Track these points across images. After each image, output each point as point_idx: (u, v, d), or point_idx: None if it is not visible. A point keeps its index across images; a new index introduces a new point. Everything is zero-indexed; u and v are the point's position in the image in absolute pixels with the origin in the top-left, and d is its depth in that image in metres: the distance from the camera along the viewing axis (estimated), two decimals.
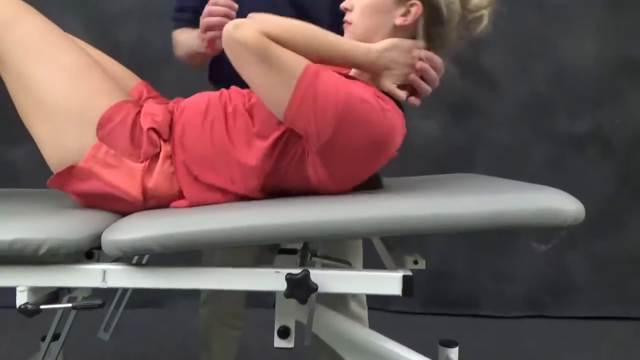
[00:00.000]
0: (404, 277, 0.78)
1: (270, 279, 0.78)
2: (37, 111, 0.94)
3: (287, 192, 0.94)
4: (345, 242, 1.28)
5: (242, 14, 0.94)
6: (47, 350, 1.24)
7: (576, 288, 2.28)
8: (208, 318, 1.40)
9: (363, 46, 0.90)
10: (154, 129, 0.94)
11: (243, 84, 0.91)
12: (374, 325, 1.09)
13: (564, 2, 2.22)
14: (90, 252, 0.93)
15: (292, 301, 0.79)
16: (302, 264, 0.96)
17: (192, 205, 0.93)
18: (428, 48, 0.93)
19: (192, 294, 1.25)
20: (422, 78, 0.93)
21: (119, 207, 0.93)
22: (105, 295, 0.82)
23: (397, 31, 0.92)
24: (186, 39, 1.20)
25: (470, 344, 1.97)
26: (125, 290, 1.39)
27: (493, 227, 0.76)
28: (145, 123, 0.94)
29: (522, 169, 2.21)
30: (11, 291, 0.82)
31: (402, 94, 0.92)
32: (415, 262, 1.05)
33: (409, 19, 0.91)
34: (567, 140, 2.27)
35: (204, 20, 1.07)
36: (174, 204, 0.94)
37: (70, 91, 0.93)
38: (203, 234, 0.77)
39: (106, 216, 0.91)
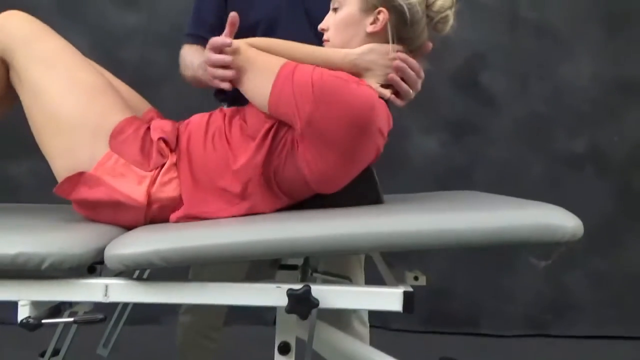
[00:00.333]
0: (405, 293, 0.78)
1: (271, 295, 0.79)
2: (51, 125, 0.97)
3: (287, 192, 0.96)
4: (347, 257, 1.28)
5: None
6: None
7: (576, 307, 2.27)
8: (187, 328, 1.41)
9: (343, 50, 0.99)
10: (163, 140, 0.98)
11: (247, 101, 0.99)
12: (375, 344, 1.08)
13: (561, 23, 2.25)
14: (93, 266, 0.93)
15: (293, 317, 0.79)
16: (303, 280, 0.96)
17: (188, 211, 0.95)
18: (404, 51, 0.99)
19: None
20: (402, 79, 0.99)
21: (121, 215, 0.95)
22: (104, 310, 0.82)
23: (370, 38, 0.99)
24: (192, 62, 1.17)
25: None
26: (125, 306, 1.39)
27: (492, 243, 0.76)
28: (155, 134, 0.99)
29: (521, 187, 2.22)
30: (8, 307, 0.82)
31: (385, 92, 0.98)
32: (416, 278, 1.06)
33: (378, 25, 0.98)
34: (566, 159, 2.28)
35: (209, 70, 1.00)
36: (172, 215, 0.95)
37: (86, 107, 0.97)
38: (205, 248, 0.77)
39: (108, 231, 0.91)
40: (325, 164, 0.91)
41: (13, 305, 0.79)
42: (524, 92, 2.28)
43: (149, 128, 1.01)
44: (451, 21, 1.00)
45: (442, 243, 0.76)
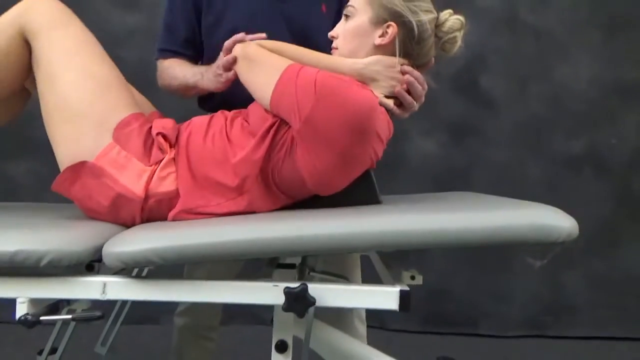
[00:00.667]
0: (401, 292, 0.79)
1: (269, 293, 0.79)
2: (61, 111, 0.99)
3: (286, 191, 0.97)
4: (344, 256, 1.29)
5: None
6: None
7: (574, 308, 2.28)
8: (182, 328, 1.42)
9: (349, 60, 1.01)
10: (162, 134, 1.00)
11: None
12: (372, 344, 1.09)
13: (560, 26, 2.26)
14: (90, 264, 0.94)
15: (290, 315, 0.79)
16: (300, 279, 0.97)
17: (185, 205, 0.96)
18: (409, 65, 1.01)
19: None
20: (408, 92, 1.01)
21: (118, 207, 0.96)
22: (102, 309, 0.83)
23: (378, 50, 1.01)
24: (185, 75, 1.19)
25: None
26: (123, 304, 1.39)
27: (488, 243, 0.77)
28: (155, 130, 1.01)
29: (519, 188, 2.22)
30: (6, 306, 0.83)
31: (388, 102, 0.99)
32: (412, 278, 1.06)
33: (387, 38, 0.99)
34: (564, 161, 2.29)
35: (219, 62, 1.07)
36: (170, 213, 0.96)
37: (96, 99, 0.99)
38: (203, 246, 0.78)
39: (106, 229, 0.92)
40: (321, 165, 0.91)
41: (11, 304, 0.79)
42: (523, 95, 2.28)
43: (151, 127, 1.03)
44: (459, 42, 1.03)
45: (437, 242, 0.77)
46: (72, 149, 0.98)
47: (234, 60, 1.04)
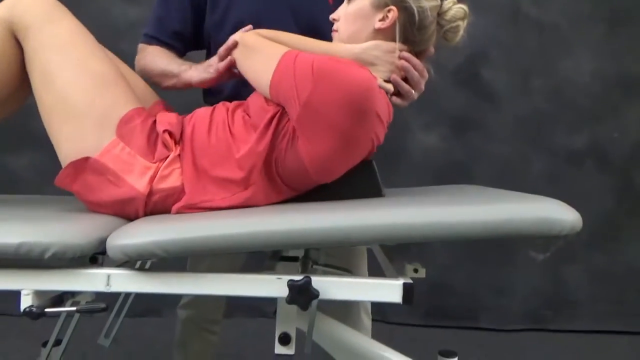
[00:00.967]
0: (404, 285, 0.79)
1: (272, 286, 0.79)
2: (59, 110, 0.97)
3: (289, 183, 0.97)
4: (351, 250, 1.29)
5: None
6: (48, 355, 1.24)
7: (575, 302, 2.28)
8: (186, 321, 1.42)
9: (348, 45, 1.01)
10: (168, 132, 0.99)
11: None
12: (374, 337, 1.09)
13: (562, 19, 2.25)
14: (94, 257, 0.94)
15: (294, 308, 0.80)
16: (303, 272, 0.97)
17: (190, 200, 0.95)
18: (408, 51, 1.01)
19: None
20: (405, 79, 1.00)
21: (121, 204, 0.95)
22: (106, 301, 0.83)
23: (378, 34, 1.01)
24: (169, 64, 1.17)
25: (470, 356, 1.97)
26: (126, 297, 1.40)
27: (491, 236, 0.77)
28: (161, 127, 0.99)
29: (521, 182, 2.22)
30: (11, 298, 0.83)
31: (389, 86, 0.99)
32: (416, 271, 1.06)
33: (387, 22, 0.99)
34: (566, 155, 2.28)
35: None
36: (174, 207, 0.96)
37: (96, 96, 0.97)
38: (207, 239, 0.78)
39: (110, 221, 0.92)
40: (322, 149, 0.91)
41: (15, 297, 0.79)
42: (525, 88, 2.28)
43: (155, 121, 1.02)
44: (461, 32, 1.02)
45: (439, 235, 0.77)
46: (75, 149, 0.96)
47: (234, 45, 1.04)
